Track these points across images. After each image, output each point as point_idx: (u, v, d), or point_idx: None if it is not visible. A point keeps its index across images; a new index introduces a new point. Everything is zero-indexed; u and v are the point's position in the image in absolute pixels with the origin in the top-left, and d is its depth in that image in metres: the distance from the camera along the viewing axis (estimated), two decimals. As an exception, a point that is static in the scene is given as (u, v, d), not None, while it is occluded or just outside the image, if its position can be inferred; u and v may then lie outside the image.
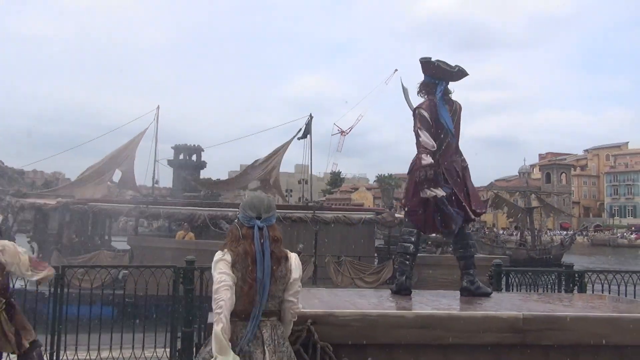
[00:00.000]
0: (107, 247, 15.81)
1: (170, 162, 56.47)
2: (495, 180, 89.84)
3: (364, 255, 14.31)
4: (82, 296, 6.37)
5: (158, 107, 22.81)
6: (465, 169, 4.33)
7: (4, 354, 4.37)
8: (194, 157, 66.55)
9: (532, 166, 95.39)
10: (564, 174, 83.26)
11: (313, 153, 21.10)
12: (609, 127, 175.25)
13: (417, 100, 4.37)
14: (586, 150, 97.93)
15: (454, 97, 4.33)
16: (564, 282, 6.59)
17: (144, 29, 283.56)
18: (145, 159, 23.93)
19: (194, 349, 5.63)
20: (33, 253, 14.52)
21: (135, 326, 6.26)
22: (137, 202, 14.89)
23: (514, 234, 52.43)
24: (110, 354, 6.01)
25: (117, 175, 20.04)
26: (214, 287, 2.57)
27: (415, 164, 4.11)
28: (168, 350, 6.01)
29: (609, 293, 6.21)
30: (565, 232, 44.20)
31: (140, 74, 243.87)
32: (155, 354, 6.14)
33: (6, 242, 4.27)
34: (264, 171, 18.80)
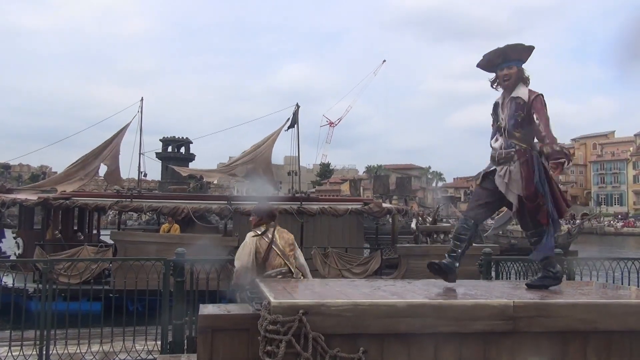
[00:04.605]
0: (96, 241, 15.62)
1: (158, 155, 56.27)
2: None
3: (352, 247, 14.17)
4: (70, 292, 6.32)
5: (142, 99, 22.54)
6: None
7: None
8: (182, 150, 66.22)
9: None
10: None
11: (302, 144, 21.09)
12: (595, 115, 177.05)
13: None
14: (573, 140, 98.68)
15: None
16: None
17: (128, 19, 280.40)
18: (132, 152, 23.70)
19: (185, 341, 5.64)
20: (19, 249, 14.34)
21: (125, 319, 6.25)
22: (121, 196, 14.62)
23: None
24: (101, 348, 5.98)
25: (102, 170, 19.84)
26: None
27: (558, 151, 3.91)
28: (159, 343, 6.00)
29: (597, 279, 6.29)
30: (572, 221, 43.75)
31: (125, 65, 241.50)
32: (146, 346, 6.12)
33: None
34: (253, 158, 18.50)
